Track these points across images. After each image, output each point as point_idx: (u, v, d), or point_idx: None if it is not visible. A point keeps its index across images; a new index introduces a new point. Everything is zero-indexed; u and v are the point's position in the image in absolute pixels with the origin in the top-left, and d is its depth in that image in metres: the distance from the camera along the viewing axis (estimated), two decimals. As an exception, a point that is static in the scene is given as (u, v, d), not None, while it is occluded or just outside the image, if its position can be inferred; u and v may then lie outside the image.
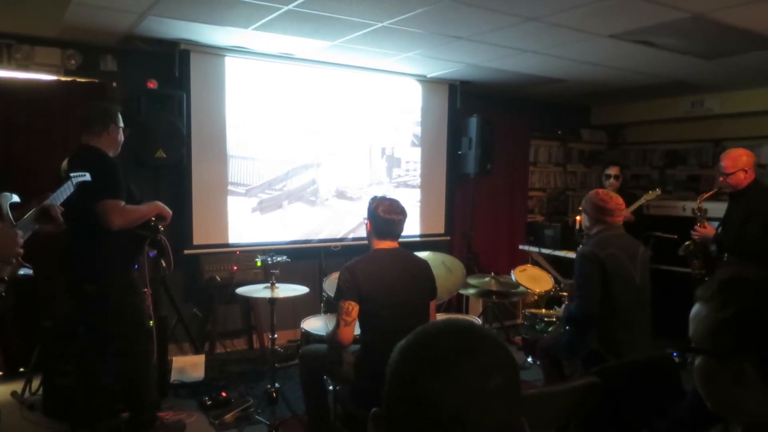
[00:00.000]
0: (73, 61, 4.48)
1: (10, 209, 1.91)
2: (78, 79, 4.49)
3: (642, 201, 5.21)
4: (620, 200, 3.24)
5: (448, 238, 6.24)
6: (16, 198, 1.98)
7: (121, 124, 3.26)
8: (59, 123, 4.32)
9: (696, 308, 1.07)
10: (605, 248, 3.09)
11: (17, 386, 3.87)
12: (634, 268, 3.14)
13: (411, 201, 5.85)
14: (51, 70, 4.45)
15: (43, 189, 3.34)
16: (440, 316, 3.27)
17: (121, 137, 3.27)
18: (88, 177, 2.63)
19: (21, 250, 1.83)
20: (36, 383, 3.84)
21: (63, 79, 4.47)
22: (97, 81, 4.58)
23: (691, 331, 1.07)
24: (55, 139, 4.30)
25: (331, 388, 3.34)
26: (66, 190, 2.38)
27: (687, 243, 4.27)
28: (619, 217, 3.23)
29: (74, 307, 3.26)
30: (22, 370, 4.04)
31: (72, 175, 2.54)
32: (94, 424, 3.17)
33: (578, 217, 5.73)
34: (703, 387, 1.07)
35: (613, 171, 5.79)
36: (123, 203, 3.03)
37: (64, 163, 3.13)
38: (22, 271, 1.89)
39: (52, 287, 3.85)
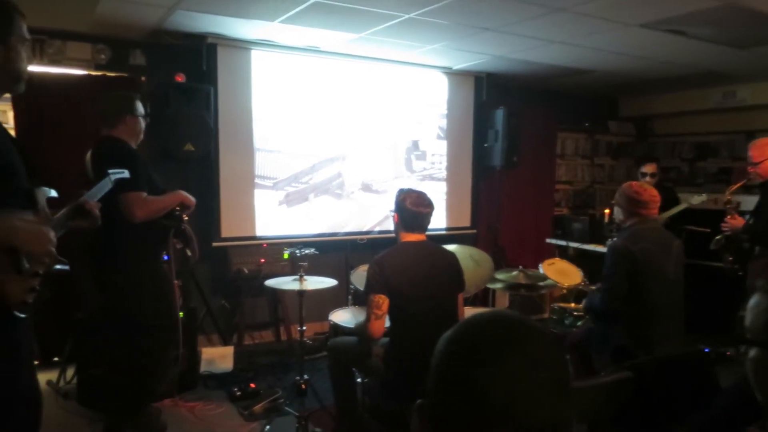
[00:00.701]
0: (103, 56, 4.55)
1: (48, 205, 1.93)
2: (108, 74, 4.56)
3: (683, 207, 4.93)
4: (655, 192, 3.19)
5: (474, 231, 6.20)
6: (53, 193, 1.99)
7: (140, 113, 3.19)
8: (89, 117, 4.37)
9: (756, 299, 1.04)
10: (638, 242, 3.04)
11: (52, 375, 3.96)
12: (668, 262, 3.08)
13: (437, 194, 5.83)
14: (82, 64, 4.52)
15: (73, 182, 3.39)
16: (467, 310, 3.25)
17: (141, 126, 3.21)
18: (126, 174, 2.64)
19: (53, 248, 1.84)
20: (70, 373, 3.93)
21: (93, 73, 4.54)
22: (126, 75, 4.65)
23: (748, 321, 1.04)
24: (85, 132, 4.35)
25: (359, 380, 3.35)
26: (104, 187, 2.38)
27: (718, 237, 4.19)
28: (654, 210, 3.17)
29: (103, 298, 3.30)
30: (56, 359, 4.12)
31: (110, 171, 2.54)
32: (129, 415, 3.21)
33: (606, 210, 5.68)
34: (756, 379, 1.04)
35: (649, 169, 5.43)
36: (144, 194, 3.01)
37: (88, 156, 3.16)
38: (57, 267, 1.91)
39: (84, 279, 3.92)
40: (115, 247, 3.05)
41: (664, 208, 4.77)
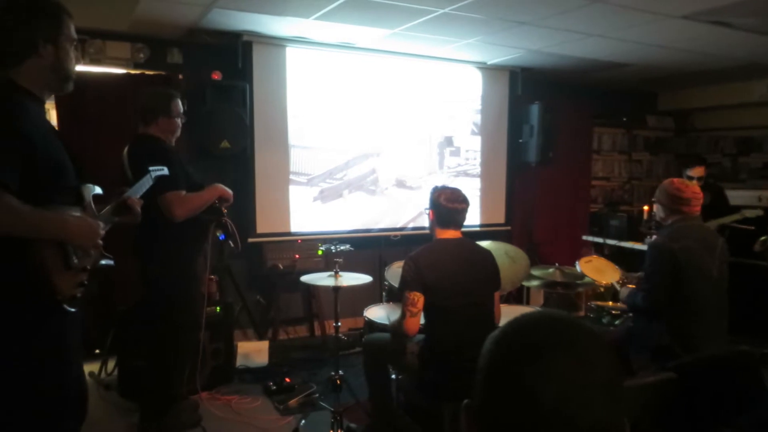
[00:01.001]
0: (141, 55, 4.63)
1: (94, 201, 1.99)
2: (146, 72, 4.65)
3: (737, 218, 4.60)
4: (697, 189, 3.10)
5: (509, 227, 6.14)
6: (98, 190, 2.05)
7: (175, 114, 3.19)
8: (128, 115, 4.46)
9: None
10: (679, 240, 2.97)
11: (94, 367, 4.07)
12: (711, 261, 3.00)
13: (471, 190, 5.79)
14: (121, 63, 4.61)
15: (113, 179, 3.46)
16: (502, 308, 3.22)
17: (177, 124, 3.22)
18: (166, 171, 2.69)
19: (101, 242, 1.90)
20: (111, 364, 4.02)
21: (132, 72, 4.63)
22: (163, 73, 4.72)
23: None
24: (124, 130, 4.43)
25: (393, 376, 3.35)
26: (145, 184, 2.44)
27: (763, 238, 4.06)
28: (696, 207, 3.09)
29: (144, 290, 3.36)
30: (98, 351, 4.22)
31: (151, 169, 2.59)
32: (168, 407, 3.27)
33: (645, 207, 5.55)
34: None
35: (696, 173, 4.88)
36: (183, 193, 3.03)
37: (124, 152, 3.21)
38: (103, 261, 1.96)
39: (125, 273, 4.00)
40: (154, 242, 3.10)
41: (712, 208, 4.61)
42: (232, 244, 3.41)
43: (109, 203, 2.09)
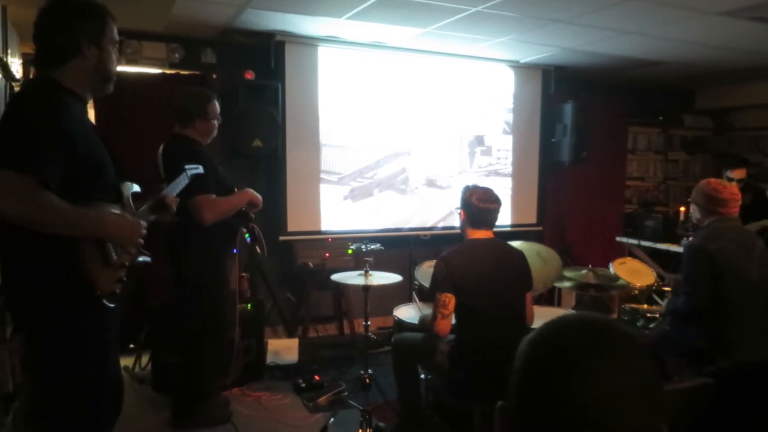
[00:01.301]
0: (176, 55, 4.71)
1: (132, 199, 2.03)
2: (181, 72, 4.73)
3: None
4: (735, 190, 3.02)
5: (540, 228, 6.07)
6: (137, 188, 2.09)
7: (211, 117, 3.23)
8: (164, 114, 4.54)
9: None
10: (716, 241, 2.89)
11: (128, 362, 4.14)
12: (749, 263, 2.91)
13: (502, 190, 5.71)
14: (156, 63, 4.70)
15: (149, 177, 3.53)
16: (534, 309, 3.18)
17: (214, 126, 3.26)
18: (201, 170, 2.73)
19: (141, 240, 1.94)
20: (145, 359, 4.10)
21: (167, 72, 4.72)
22: (198, 73, 4.80)
23: None
24: (159, 129, 4.50)
25: (423, 376, 3.34)
26: (181, 182, 2.49)
27: None
28: (734, 208, 3.00)
29: (175, 288, 3.42)
30: (132, 346, 4.31)
31: (186, 167, 2.64)
32: (200, 402, 3.32)
33: (682, 208, 5.42)
34: None
35: (737, 175, 4.83)
36: (213, 196, 3.07)
37: (159, 151, 3.26)
38: (141, 258, 2.00)
39: (157, 270, 4.07)
40: (186, 241, 3.15)
41: (752, 209, 4.47)
42: (258, 250, 3.45)
43: (146, 201, 2.13)
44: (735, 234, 2.99)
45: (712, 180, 3.12)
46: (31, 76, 4.24)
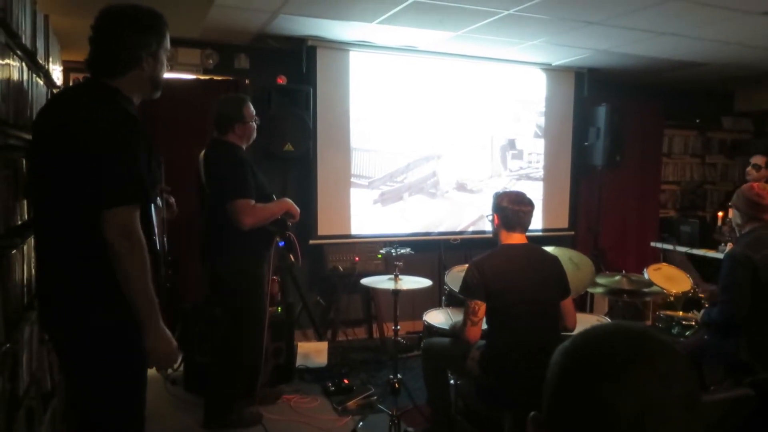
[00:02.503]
0: (210, 61, 4.78)
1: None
2: (215, 77, 4.80)
3: None
4: (778, 195, 2.93)
5: (572, 232, 5.99)
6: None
7: (249, 116, 3.28)
8: (198, 118, 4.62)
9: None
10: (760, 249, 2.81)
11: (162, 362, 4.21)
12: (794, 271, 2.82)
13: (533, 193, 5.60)
14: (191, 69, 4.78)
15: (185, 180, 3.60)
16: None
17: (252, 127, 3.32)
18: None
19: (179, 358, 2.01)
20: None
21: (201, 77, 4.79)
22: (231, 78, 4.86)
23: None
24: (194, 133, 4.59)
25: (452, 382, 3.31)
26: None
27: None
28: (777, 214, 2.92)
29: (209, 290, 3.47)
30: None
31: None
32: (231, 404, 3.35)
33: (719, 213, 5.29)
34: None
35: (757, 161, 5.17)
36: (253, 202, 3.11)
37: (201, 156, 3.33)
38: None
39: (192, 272, 4.14)
40: (223, 246, 3.20)
41: None
42: (292, 258, 3.49)
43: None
44: (779, 242, 2.90)
45: (756, 184, 3.03)
46: (81, 80, 4.39)
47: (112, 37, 1.87)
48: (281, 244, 3.56)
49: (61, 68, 4.00)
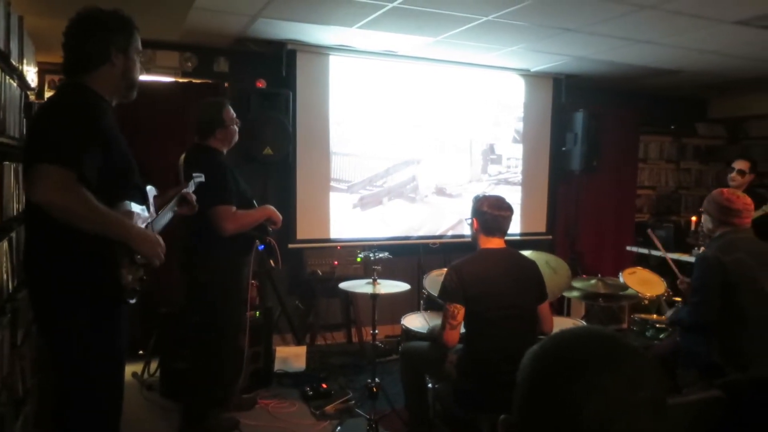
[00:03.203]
0: (189, 64, 4.76)
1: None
2: (194, 80, 4.76)
3: None
4: (748, 200, 2.98)
5: (550, 237, 6.05)
6: (155, 192, 2.29)
7: (230, 119, 3.26)
8: (177, 121, 4.59)
9: None
10: (731, 252, 2.86)
11: (137, 368, 4.17)
12: (764, 274, 2.87)
13: (512, 198, 5.66)
14: (170, 72, 4.75)
15: (163, 182, 3.57)
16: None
17: (234, 131, 3.30)
18: (203, 178, 2.79)
19: (162, 253, 2.02)
20: (154, 366, 4.12)
21: (180, 80, 4.76)
22: (210, 81, 4.84)
23: None
24: (173, 136, 4.56)
25: (430, 385, 3.32)
26: (190, 188, 2.62)
27: None
28: (747, 219, 2.97)
29: (188, 296, 3.43)
30: (141, 352, 4.33)
31: (194, 175, 2.73)
32: (208, 410, 3.32)
33: (693, 218, 5.38)
34: None
35: (739, 165, 4.96)
36: (234, 208, 3.09)
37: (181, 159, 3.31)
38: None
39: (168, 276, 4.10)
40: (203, 251, 3.17)
41: None
42: (272, 263, 3.48)
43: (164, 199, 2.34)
44: (750, 246, 2.95)
45: (725, 190, 3.08)
46: (58, 83, 4.35)
47: (80, 36, 1.98)
48: (261, 248, 3.54)
49: (36, 70, 3.95)
